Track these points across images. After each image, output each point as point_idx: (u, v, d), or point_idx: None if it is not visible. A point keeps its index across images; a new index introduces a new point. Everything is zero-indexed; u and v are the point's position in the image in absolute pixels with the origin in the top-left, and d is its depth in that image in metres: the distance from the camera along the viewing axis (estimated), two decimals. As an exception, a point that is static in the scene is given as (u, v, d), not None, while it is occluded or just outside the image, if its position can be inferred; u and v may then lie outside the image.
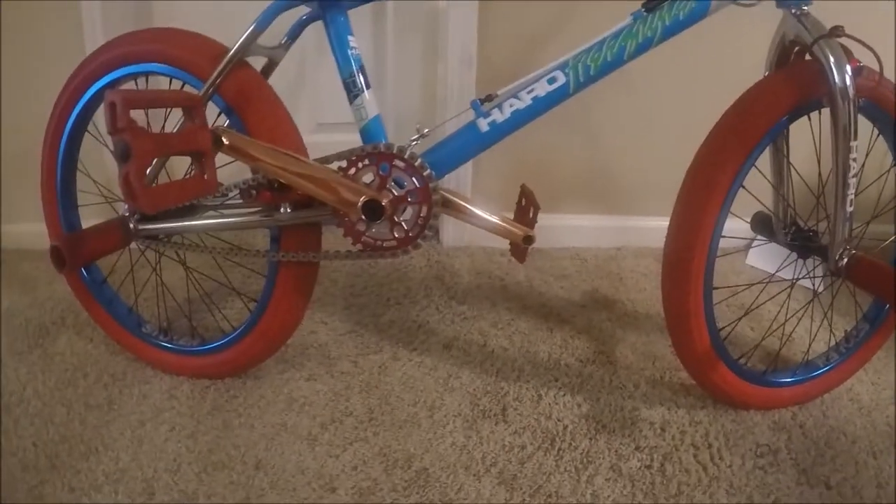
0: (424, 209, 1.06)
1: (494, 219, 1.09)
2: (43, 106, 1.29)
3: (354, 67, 1.10)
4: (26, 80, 1.94)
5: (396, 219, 1.07)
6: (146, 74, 1.19)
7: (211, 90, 1.10)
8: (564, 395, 1.22)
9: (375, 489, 1.01)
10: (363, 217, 1.05)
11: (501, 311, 1.52)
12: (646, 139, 1.81)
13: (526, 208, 1.13)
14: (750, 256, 1.80)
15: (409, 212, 1.07)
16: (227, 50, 1.11)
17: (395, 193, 1.06)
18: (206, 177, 1.01)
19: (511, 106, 1.06)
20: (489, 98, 1.10)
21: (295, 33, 1.19)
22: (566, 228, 1.87)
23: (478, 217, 1.08)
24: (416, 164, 1.04)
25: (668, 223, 1.11)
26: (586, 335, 1.42)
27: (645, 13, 1.04)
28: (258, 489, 1.02)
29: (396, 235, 1.08)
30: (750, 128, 1.05)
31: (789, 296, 1.31)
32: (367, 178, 1.06)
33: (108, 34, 1.78)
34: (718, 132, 1.08)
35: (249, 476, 1.04)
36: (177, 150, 0.99)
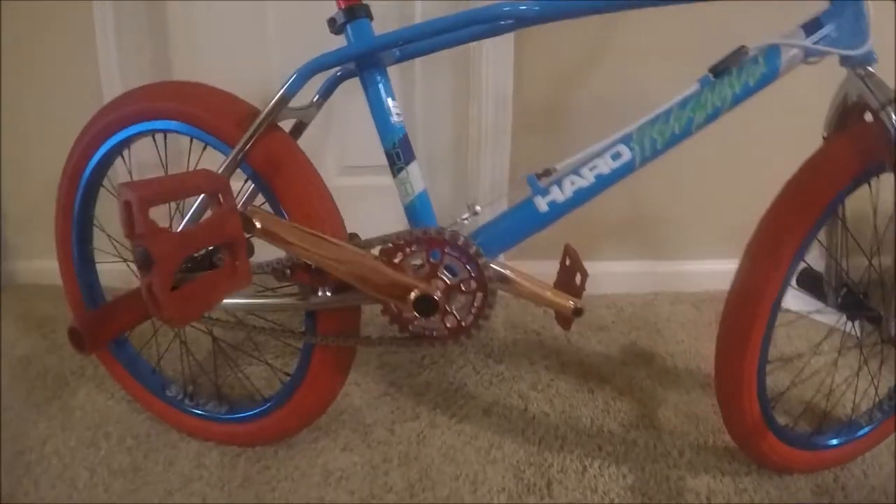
0: (479, 297, 0.98)
1: (546, 292, 1.02)
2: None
3: (397, 138, 1.03)
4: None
5: (448, 308, 1.00)
6: (164, 132, 1.12)
7: (239, 157, 1.03)
8: (609, 465, 1.19)
9: (422, 575, 0.97)
10: (415, 314, 0.98)
11: (540, 371, 1.48)
12: (679, 183, 1.77)
13: (571, 270, 1.06)
14: (785, 299, 1.76)
15: (462, 300, 1.00)
16: (254, 111, 1.05)
17: (448, 282, 0.99)
18: (237, 264, 0.91)
19: (573, 184, 1.00)
20: (546, 173, 1.02)
21: (327, 91, 1.12)
22: (601, 275, 1.82)
23: (527, 290, 1.02)
24: (472, 251, 0.96)
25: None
26: (628, 396, 1.38)
27: (713, 79, 0.98)
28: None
29: (448, 325, 1.00)
30: (814, 198, 1.02)
31: (837, 361, 1.31)
32: (416, 260, 0.99)
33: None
34: (782, 204, 1.05)
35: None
36: (205, 244, 0.91)
